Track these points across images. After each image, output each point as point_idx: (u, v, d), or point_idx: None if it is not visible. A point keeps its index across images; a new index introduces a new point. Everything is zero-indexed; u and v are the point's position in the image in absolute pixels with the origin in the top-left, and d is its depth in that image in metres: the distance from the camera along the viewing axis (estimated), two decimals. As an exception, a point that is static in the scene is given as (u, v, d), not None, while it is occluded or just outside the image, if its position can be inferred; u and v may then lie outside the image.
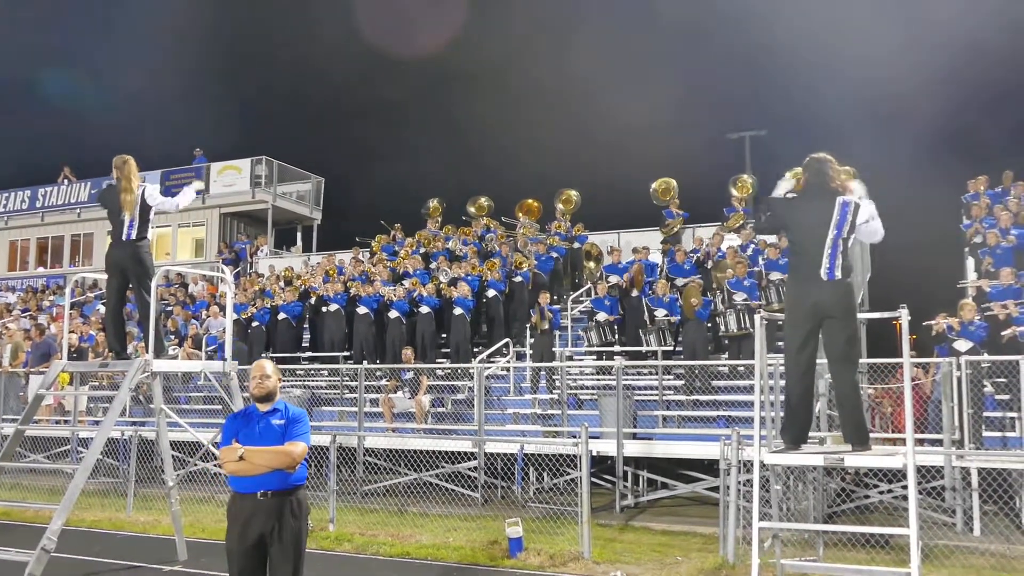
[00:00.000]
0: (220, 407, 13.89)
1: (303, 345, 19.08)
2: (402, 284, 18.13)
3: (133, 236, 8.94)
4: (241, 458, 5.49)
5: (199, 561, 9.33)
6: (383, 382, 15.93)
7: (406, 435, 14.52)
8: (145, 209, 8.95)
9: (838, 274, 6.55)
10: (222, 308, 18.06)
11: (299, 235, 29.65)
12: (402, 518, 11.72)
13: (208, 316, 19.48)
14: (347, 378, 16.47)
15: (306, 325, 19.28)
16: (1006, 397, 11.93)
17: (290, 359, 17.82)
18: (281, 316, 18.48)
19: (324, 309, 18.33)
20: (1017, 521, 10.76)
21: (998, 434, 12.07)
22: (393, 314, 17.25)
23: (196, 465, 10.44)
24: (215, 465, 12.85)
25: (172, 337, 18.75)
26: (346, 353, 17.68)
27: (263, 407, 5.74)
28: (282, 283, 20.57)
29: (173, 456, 9.89)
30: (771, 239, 16.00)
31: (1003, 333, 12.66)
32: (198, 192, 10.11)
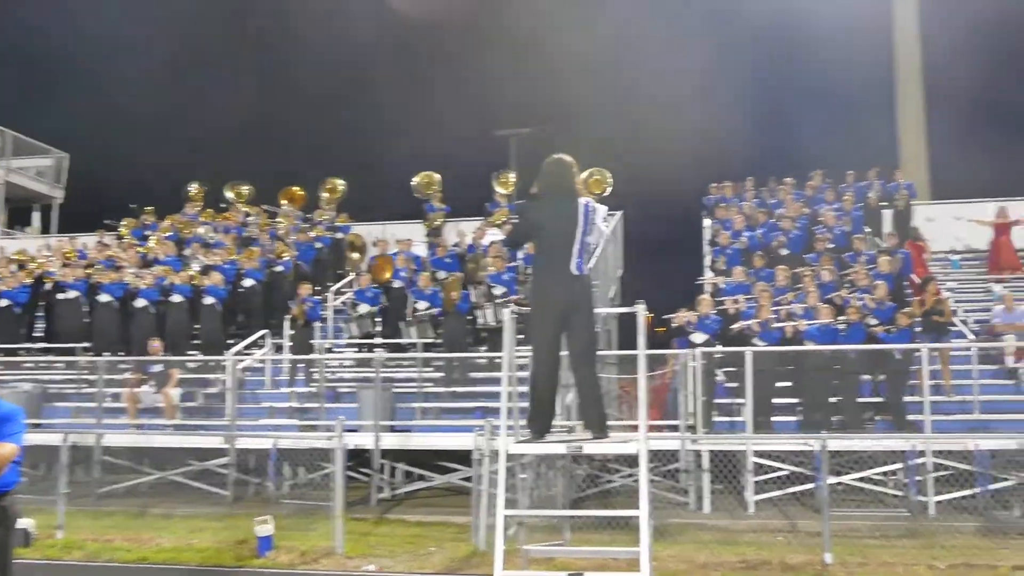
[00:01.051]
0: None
1: (34, 335, 17.47)
2: (151, 271, 17.01)
3: None
4: None
5: None
6: (127, 375, 14.89)
7: (151, 432, 13.67)
8: None
9: (585, 269, 6.84)
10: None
11: (37, 215, 27.17)
12: (143, 520, 11.07)
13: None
14: (85, 371, 15.26)
15: (41, 314, 17.71)
16: (735, 385, 13.01)
17: (14, 350, 16.25)
18: (3, 303, 16.78)
19: (60, 296, 16.86)
20: (741, 498, 11.78)
21: (727, 419, 13.17)
22: (140, 303, 16.15)
23: None
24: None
25: None
26: (85, 344, 16.37)
27: (-32, 405, 5.17)
28: (14, 267, 18.69)
29: None
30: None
31: (732, 327, 13.78)
32: None
